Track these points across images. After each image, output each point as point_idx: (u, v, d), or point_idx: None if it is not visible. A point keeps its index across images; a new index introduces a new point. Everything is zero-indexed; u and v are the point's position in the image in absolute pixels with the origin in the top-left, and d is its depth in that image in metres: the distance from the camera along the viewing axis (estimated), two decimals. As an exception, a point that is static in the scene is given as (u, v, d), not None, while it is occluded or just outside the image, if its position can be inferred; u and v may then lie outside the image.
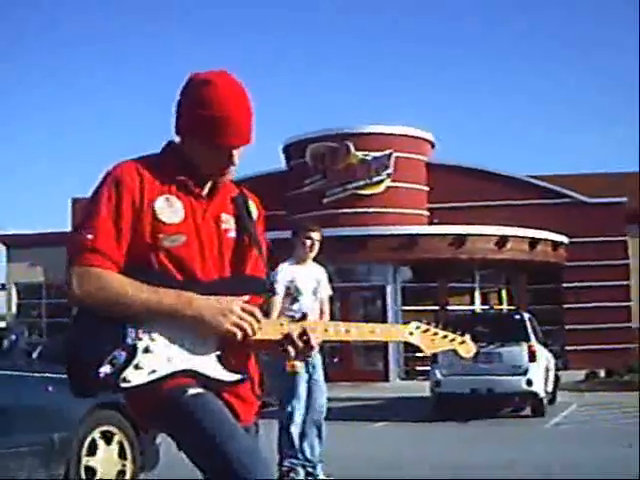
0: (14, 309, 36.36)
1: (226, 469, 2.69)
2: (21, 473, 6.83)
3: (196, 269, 2.85)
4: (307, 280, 8.11)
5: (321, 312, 8.19)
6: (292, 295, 8.02)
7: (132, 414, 2.97)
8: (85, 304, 2.76)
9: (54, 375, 7.74)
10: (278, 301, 7.82)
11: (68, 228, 37.96)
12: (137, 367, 2.68)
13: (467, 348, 3.28)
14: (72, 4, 74.99)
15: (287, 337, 2.87)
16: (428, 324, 3.21)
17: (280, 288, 7.95)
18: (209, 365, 2.78)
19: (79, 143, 79.77)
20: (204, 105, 2.85)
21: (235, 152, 2.90)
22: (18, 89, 75.27)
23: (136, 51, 75.94)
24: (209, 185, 2.96)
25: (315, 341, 2.89)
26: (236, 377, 2.82)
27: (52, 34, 75.26)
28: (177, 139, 2.99)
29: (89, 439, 7.39)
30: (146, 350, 2.71)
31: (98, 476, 7.40)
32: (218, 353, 2.80)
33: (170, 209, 2.84)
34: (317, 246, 8.16)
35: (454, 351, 3.28)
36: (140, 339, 2.71)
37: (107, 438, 7.57)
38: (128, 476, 7.64)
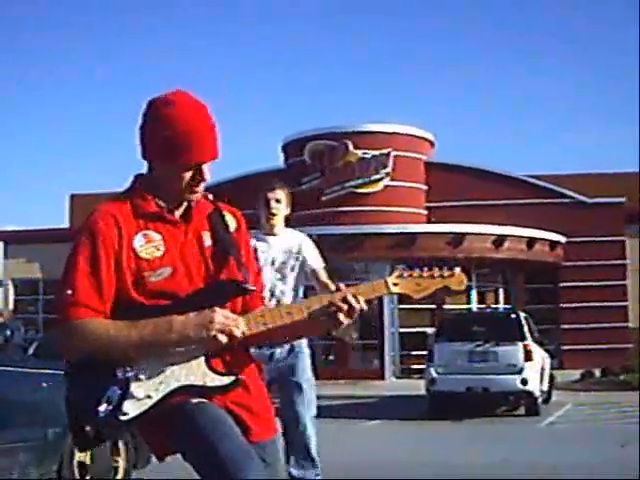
0: (11, 305, 36.36)
1: (220, 468, 2.71)
2: (15, 468, 6.84)
3: (183, 294, 2.87)
4: (269, 251, 6.39)
5: (321, 285, 6.50)
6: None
7: (147, 444, 3.01)
8: (75, 358, 2.81)
9: (49, 371, 7.76)
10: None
11: (66, 224, 37.99)
12: (132, 398, 2.72)
13: (457, 279, 3.08)
14: (71, 3, 74.98)
15: (331, 304, 2.90)
16: (410, 268, 3.07)
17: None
18: (199, 375, 2.80)
19: (78, 139, 79.77)
20: (166, 126, 2.84)
21: (205, 167, 2.90)
22: (16, 85, 75.28)
23: (134, 47, 75.93)
24: (184, 207, 2.96)
25: (356, 303, 2.91)
26: (229, 379, 2.83)
27: (50, 30, 75.23)
28: (144, 167, 3.00)
29: (82, 435, 7.39)
30: (137, 379, 2.74)
31: (90, 472, 7.41)
32: (206, 361, 2.82)
33: (149, 244, 2.85)
34: (282, 208, 6.46)
35: (446, 288, 3.08)
36: (129, 370, 2.74)
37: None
38: (121, 472, 7.66)
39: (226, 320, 2.76)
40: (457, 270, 3.07)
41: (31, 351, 20.00)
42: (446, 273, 3.05)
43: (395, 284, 3.01)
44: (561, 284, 31.12)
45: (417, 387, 19.15)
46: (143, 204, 2.90)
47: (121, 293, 2.82)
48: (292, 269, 6.36)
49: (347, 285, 3.03)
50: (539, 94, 76.45)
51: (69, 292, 2.78)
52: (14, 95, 73.34)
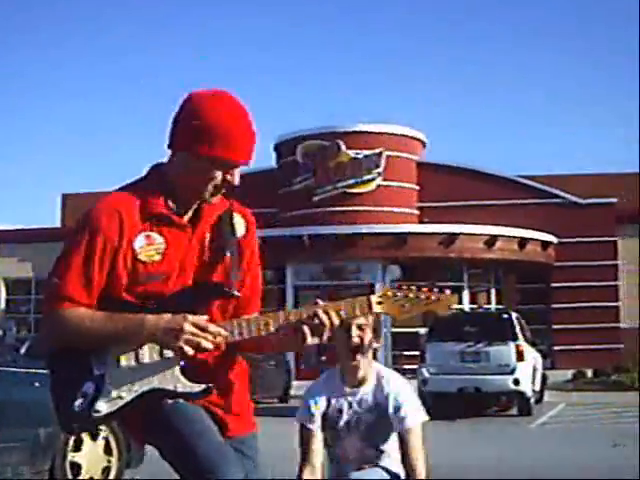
0: (3, 304, 36.26)
1: (196, 467, 2.72)
2: (7, 468, 6.82)
3: (169, 294, 2.85)
4: (358, 412, 4.49)
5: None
6: (327, 434, 4.63)
7: (132, 439, 3.03)
8: (54, 345, 2.82)
9: (41, 371, 7.75)
10: None
11: (58, 224, 37.93)
12: (105, 396, 2.73)
13: (444, 304, 2.89)
14: (67, 3, 74.82)
15: (311, 317, 2.81)
16: (398, 288, 2.91)
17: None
18: (172, 380, 2.78)
19: (70, 139, 79.74)
20: (204, 116, 2.75)
21: (236, 171, 2.82)
22: (8, 85, 75.14)
23: (128, 47, 75.89)
24: (193, 209, 2.88)
25: (327, 320, 2.81)
26: (199, 387, 2.80)
27: (42, 30, 75.13)
28: (166, 158, 2.90)
29: (74, 435, 7.38)
30: (111, 377, 2.74)
31: (83, 472, 7.40)
32: (180, 366, 2.80)
33: (150, 247, 2.79)
34: (369, 341, 4.62)
35: (432, 312, 2.92)
36: (105, 367, 2.75)
37: (93, 434, 7.56)
38: (113, 472, 7.63)
39: (195, 330, 2.70)
40: (447, 292, 2.91)
41: (23, 350, 19.94)
42: (434, 296, 2.89)
43: (379, 303, 2.89)
44: (553, 284, 31.17)
45: (409, 387, 19.15)
46: (152, 202, 2.81)
47: (112, 289, 2.79)
48: None
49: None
50: (532, 95, 76.58)
51: (57, 282, 2.76)
52: (6, 95, 73.22)
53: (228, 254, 2.91)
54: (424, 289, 2.90)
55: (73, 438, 7.34)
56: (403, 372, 22.39)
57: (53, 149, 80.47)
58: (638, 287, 30.80)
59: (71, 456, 7.30)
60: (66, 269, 2.77)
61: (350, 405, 4.44)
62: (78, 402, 2.73)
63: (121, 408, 2.74)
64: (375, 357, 4.66)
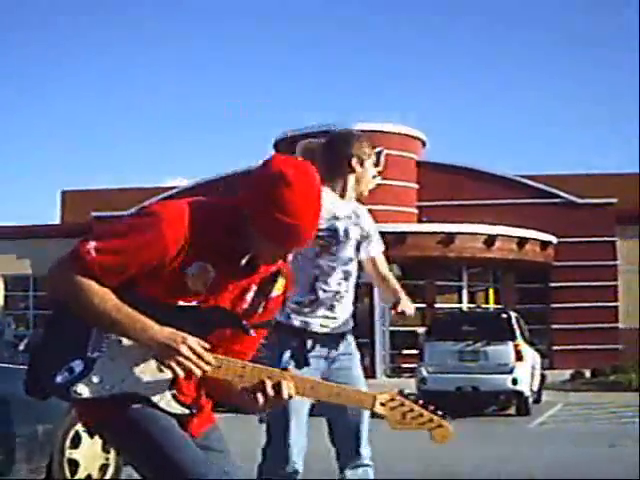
0: (1, 301, 36.30)
1: (179, 478, 2.70)
2: (4, 465, 6.82)
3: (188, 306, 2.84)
4: (350, 223, 4.95)
5: (380, 278, 5.13)
6: (322, 241, 4.66)
7: (80, 421, 3.01)
8: (54, 297, 2.80)
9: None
10: None
11: (57, 221, 37.93)
12: (90, 381, 2.71)
13: (443, 433, 2.92)
14: (65, 1, 74.76)
15: (260, 384, 2.78)
16: (406, 397, 2.96)
17: None
18: (158, 392, 2.78)
19: (70, 136, 79.62)
20: (282, 210, 2.68)
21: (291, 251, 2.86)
22: (7, 82, 75.09)
23: (126, 42, 75.81)
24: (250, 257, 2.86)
25: (287, 392, 2.79)
26: (186, 411, 2.81)
27: (40, 27, 75.08)
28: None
29: (72, 432, 7.37)
30: (103, 365, 2.73)
31: (81, 469, 7.39)
32: (172, 381, 2.79)
33: (200, 279, 2.77)
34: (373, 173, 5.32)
35: (430, 433, 2.95)
36: (101, 353, 2.73)
37: (90, 432, 7.55)
38: (111, 470, 7.63)
39: (191, 356, 2.69)
40: (446, 423, 2.93)
41: (22, 347, 19.91)
42: (435, 420, 2.91)
43: (382, 404, 2.93)
44: (552, 284, 31.18)
45: (408, 386, 19.10)
46: (223, 238, 2.79)
47: (143, 286, 2.78)
48: (357, 246, 4.97)
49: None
50: (532, 94, 76.58)
51: (92, 251, 2.71)
52: (5, 92, 73.17)
53: (258, 308, 2.92)
54: (429, 409, 2.94)
55: (71, 435, 7.34)
56: (401, 371, 22.48)
57: (52, 146, 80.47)
58: (637, 288, 30.80)
59: (69, 453, 7.30)
60: (107, 245, 2.72)
61: (344, 213, 4.90)
62: (61, 376, 2.70)
63: (99, 399, 2.72)
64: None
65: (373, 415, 3.09)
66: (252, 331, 2.83)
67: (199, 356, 2.70)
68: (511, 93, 74.75)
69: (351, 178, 5.08)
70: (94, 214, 33.80)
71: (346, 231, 4.80)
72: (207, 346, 2.74)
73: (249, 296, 2.90)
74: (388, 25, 75.91)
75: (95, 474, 7.53)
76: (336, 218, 4.76)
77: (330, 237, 4.70)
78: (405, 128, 31.59)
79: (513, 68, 73.49)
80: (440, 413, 2.92)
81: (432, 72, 74.71)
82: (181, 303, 2.79)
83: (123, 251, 2.70)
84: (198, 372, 2.71)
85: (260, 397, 2.77)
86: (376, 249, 5.11)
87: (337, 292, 4.67)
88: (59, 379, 2.71)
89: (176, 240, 2.70)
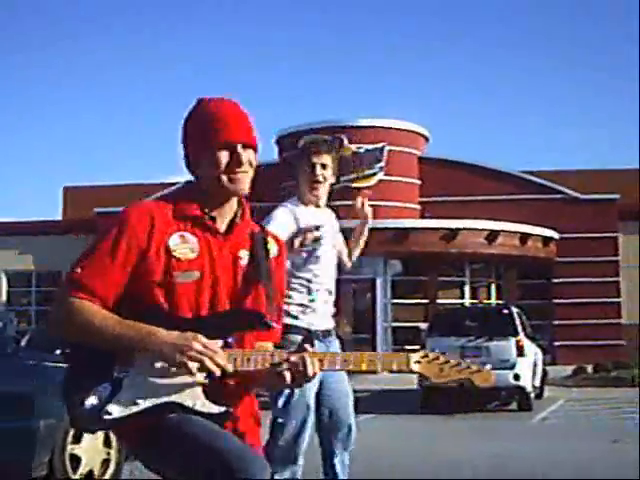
0: (3, 297, 36.32)
1: (222, 466, 2.63)
2: (6, 460, 6.82)
3: (204, 304, 2.85)
4: (327, 228, 5.32)
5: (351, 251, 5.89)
6: (307, 247, 5.12)
7: (122, 446, 2.99)
8: (58, 333, 2.82)
9: (41, 363, 7.75)
10: None
11: (59, 217, 37.92)
12: (119, 400, 2.70)
13: (484, 376, 2.92)
14: (75, 3, 74.74)
15: (285, 361, 2.78)
16: (440, 354, 2.92)
17: (285, 231, 4.95)
18: (191, 396, 2.76)
19: (72, 132, 79.61)
20: (196, 117, 2.94)
21: (241, 152, 2.89)
22: (9, 78, 75.12)
23: (127, 40, 75.76)
24: (227, 221, 2.95)
25: (311, 368, 2.78)
26: (219, 409, 2.78)
27: (44, 24, 75.10)
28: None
29: (74, 427, 7.38)
30: (131, 383, 2.72)
31: (83, 464, 7.40)
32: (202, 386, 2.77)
33: (185, 245, 2.84)
34: (329, 177, 5.37)
35: (469, 380, 2.93)
36: (125, 371, 2.73)
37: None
38: (113, 465, 7.64)
39: (202, 349, 2.69)
40: (487, 367, 2.95)
41: (24, 343, 19.89)
42: (474, 367, 2.91)
43: (418, 362, 2.87)
44: (554, 280, 31.17)
45: (409, 381, 19.14)
46: (186, 207, 2.91)
47: (145, 290, 2.81)
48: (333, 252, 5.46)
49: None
50: (533, 90, 76.52)
51: (78, 270, 2.80)
52: (8, 87, 73.20)
53: (262, 281, 2.94)
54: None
55: (73, 431, 7.35)
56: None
57: (54, 142, 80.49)
58: (639, 283, 30.78)
59: (70, 448, 7.30)
60: (88, 260, 2.81)
61: (320, 220, 5.24)
62: (90, 401, 2.70)
63: (133, 415, 2.70)
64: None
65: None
66: (274, 323, 2.86)
67: (213, 352, 2.70)
68: (513, 89, 74.72)
69: (320, 187, 5.32)
70: (97, 210, 33.82)
71: (326, 237, 5.24)
72: (220, 343, 2.75)
73: (243, 262, 2.94)
74: (391, 21, 75.88)
75: (97, 470, 7.53)
76: (316, 227, 5.16)
77: (315, 244, 5.17)
78: (407, 124, 31.57)
79: (515, 64, 73.44)
80: (475, 365, 2.92)
81: (435, 68, 74.73)
82: (188, 316, 2.81)
83: (99, 255, 2.80)
84: (212, 366, 2.69)
85: (287, 375, 2.77)
86: (342, 252, 5.72)
87: (328, 289, 5.22)
88: (88, 405, 2.70)
89: (139, 224, 2.81)
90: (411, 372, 2.89)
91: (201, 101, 2.98)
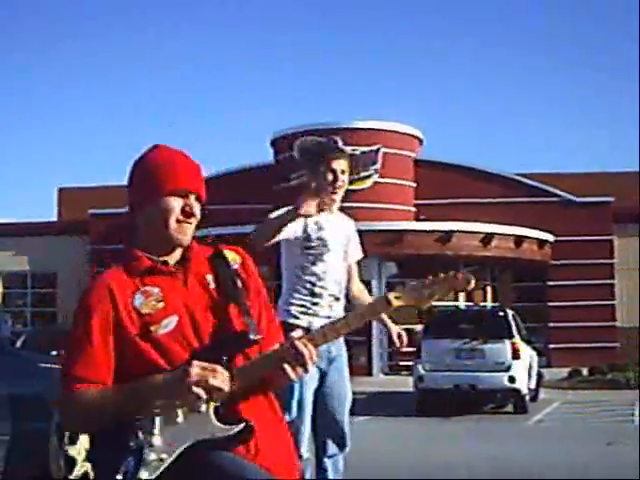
0: (-1, 298, 36.27)
1: None
2: (1, 462, 6.81)
3: (193, 342, 2.84)
4: (337, 232, 5.38)
5: (350, 283, 5.67)
6: (314, 251, 5.25)
7: None
8: (74, 430, 2.85)
9: (37, 364, 7.74)
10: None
11: (54, 218, 37.90)
12: (147, 464, 2.70)
13: (464, 279, 2.82)
14: (74, 3, 74.67)
15: (281, 359, 2.77)
16: (411, 282, 2.88)
17: (291, 234, 5.12)
18: (208, 428, 2.75)
19: (67, 133, 79.57)
20: (141, 168, 2.91)
21: (192, 202, 2.88)
22: (5, 79, 75.04)
23: (123, 41, 75.72)
24: (179, 254, 2.92)
25: (306, 351, 2.77)
26: (238, 427, 2.76)
27: (38, 23, 75.04)
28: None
29: (70, 428, 7.37)
30: (149, 445, 2.72)
31: (78, 466, 7.39)
32: (214, 411, 2.76)
33: (149, 299, 2.83)
34: (347, 181, 5.46)
35: (453, 289, 2.83)
36: (140, 438, 2.72)
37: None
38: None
39: (202, 371, 2.68)
40: (461, 273, 2.86)
41: (19, 344, 19.84)
42: (450, 274, 2.84)
43: (398, 297, 2.84)
44: (549, 282, 31.20)
45: (405, 384, 19.18)
46: (135, 263, 2.88)
47: (134, 353, 2.80)
48: (344, 254, 5.46)
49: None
50: (529, 93, 76.62)
51: (64, 366, 2.84)
52: (3, 89, 73.13)
53: (234, 295, 2.91)
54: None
55: (68, 432, 7.34)
56: (399, 369, 22.49)
57: (49, 143, 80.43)
58: (638, 286, 30.81)
59: (65, 450, 7.30)
60: (70, 352, 2.84)
61: (329, 223, 5.29)
62: (120, 477, 2.69)
63: (164, 471, 2.70)
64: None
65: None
66: (257, 337, 2.83)
67: (212, 370, 2.69)
68: (509, 91, 74.79)
69: (340, 192, 5.44)
70: (91, 211, 33.80)
71: (333, 240, 5.29)
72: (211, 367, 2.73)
73: (212, 285, 2.92)
74: (386, 23, 75.93)
75: (92, 471, 7.52)
76: (323, 229, 5.25)
77: (320, 246, 5.24)
78: (402, 126, 31.58)
79: (511, 65, 73.51)
80: (449, 274, 2.85)
81: (430, 70, 74.80)
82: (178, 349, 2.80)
83: (78, 344, 2.81)
84: (216, 382, 2.68)
85: (286, 367, 2.76)
86: (353, 256, 5.61)
87: (333, 294, 5.27)
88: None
89: (100, 299, 2.82)
90: (397, 310, 2.85)
91: (153, 148, 2.95)
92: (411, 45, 74.52)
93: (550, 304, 31.05)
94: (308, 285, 5.20)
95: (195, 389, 2.66)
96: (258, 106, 77.96)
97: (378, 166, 30.18)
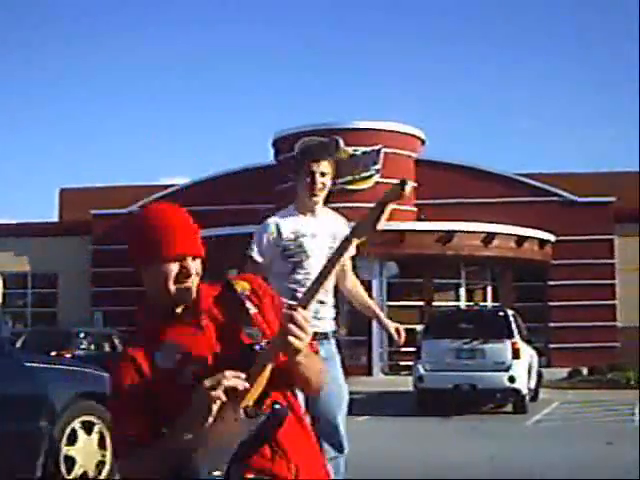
0: (-1, 298, 36.28)
1: None
2: (0, 461, 6.83)
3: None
4: (319, 235, 5.44)
5: (344, 279, 5.88)
6: (293, 259, 5.39)
7: None
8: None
9: (37, 364, 7.75)
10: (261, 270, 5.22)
11: (55, 218, 37.93)
12: None
13: (394, 189, 2.71)
14: (73, 2, 74.66)
15: (281, 347, 2.75)
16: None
17: (268, 249, 5.37)
18: (242, 428, 2.74)
19: (68, 133, 79.58)
20: (143, 227, 2.91)
21: (190, 264, 2.89)
22: (6, 79, 75.05)
23: (125, 40, 75.77)
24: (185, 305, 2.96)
25: (297, 316, 2.73)
26: (264, 415, 2.74)
27: (39, 25, 75.03)
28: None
29: (69, 428, 7.39)
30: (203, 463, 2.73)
31: (77, 466, 7.41)
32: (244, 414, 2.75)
33: (169, 353, 2.88)
34: (328, 183, 5.52)
35: (391, 201, 2.72)
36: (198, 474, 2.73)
37: (87, 428, 7.59)
38: (108, 466, 7.65)
39: (213, 378, 2.70)
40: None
41: (19, 344, 19.83)
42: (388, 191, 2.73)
43: (355, 235, 2.84)
44: (550, 282, 31.19)
45: (405, 384, 19.18)
46: (149, 326, 2.96)
47: (165, 404, 2.85)
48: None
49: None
50: (530, 93, 76.59)
51: (113, 439, 3.10)
52: (4, 88, 73.13)
53: (240, 323, 2.94)
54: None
55: (68, 432, 7.36)
56: (399, 369, 22.46)
57: (51, 144, 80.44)
58: (638, 286, 30.78)
59: (65, 450, 7.32)
60: (116, 428, 2.98)
61: (311, 228, 5.37)
62: None
63: None
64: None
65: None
66: (262, 343, 2.85)
67: (222, 375, 2.70)
68: (510, 90, 74.76)
69: (319, 195, 5.46)
70: (93, 212, 33.81)
71: (315, 245, 5.33)
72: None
73: (222, 318, 2.95)
74: (387, 22, 75.93)
75: (91, 471, 7.55)
76: (302, 235, 5.31)
77: (299, 253, 5.30)
78: (404, 126, 31.59)
79: (513, 65, 73.46)
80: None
81: (431, 70, 74.78)
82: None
83: (118, 413, 2.93)
84: (238, 381, 2.70)
85: (290, 339, 2.72)
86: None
87: (320, 301, 5.22)
88: None
89: (126, 370, 2.89)
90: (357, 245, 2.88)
91: (147, 211, 2.97)
92: (412, 45, 74.55)
93: (551, 304, 31.04)
94: (290, 292, 5.20)
95: (213, 393, 2.67)
96: (259, 106, 78.02)
97: (379, 166, 30.18)
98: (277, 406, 2.74)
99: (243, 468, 2.75)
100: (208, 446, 2.73)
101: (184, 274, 2.88)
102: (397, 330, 6.01)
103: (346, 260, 5.56)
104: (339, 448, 5.39)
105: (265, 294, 3.05)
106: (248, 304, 2.97)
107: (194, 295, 2.93)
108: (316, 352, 3.01)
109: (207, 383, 2.69)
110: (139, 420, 2.86)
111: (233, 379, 2.69)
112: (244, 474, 2.77)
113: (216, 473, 2.69)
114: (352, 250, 5.32)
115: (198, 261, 2.93)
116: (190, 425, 2.73)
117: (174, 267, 2.88)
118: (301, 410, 3.04)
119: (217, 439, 2.73)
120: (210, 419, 2.71)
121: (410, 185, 2.89)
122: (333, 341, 5.58)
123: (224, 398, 2.68)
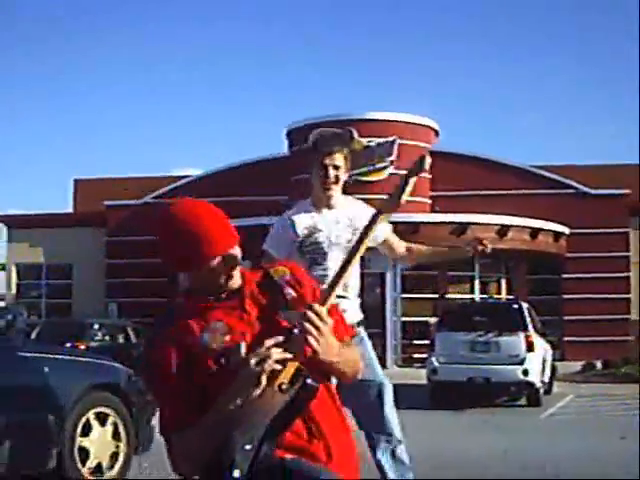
0: (14, 289, 36.41)
1: None
2: (15, 452, 6.84)
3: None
4: (335, 230, 5.35)
5: (395, 251, 5.83)
6: (310, 255, 5.31)
7: None
8: (188, 473, 2.91)
9: (51, 355, 7.77)
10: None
11: (70, 209, 38.00)
12: (238, 464, 2.71)
13: (416, 163, 3.10)
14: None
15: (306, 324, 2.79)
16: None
17: (284, 245, 5.33)
18: (274, 402, 2.77)
19: (82, 124, 79.77)
20: (170, 236, 2.91)
21: (233, 252, 2.92)
22: (20, 69, 75.25)
23: (136, 32, 75.83)
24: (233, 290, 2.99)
25: (320, 309, 2.80)
26: (299, 385, 2.77)
27: (48, 15, 75.18)
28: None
29: (83, 420, 7.41)
30: (242, 442, 2.73)
31: (91, 457, 7.42)
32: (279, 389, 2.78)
33: (216, 334, 2.91)
34: (342, 176, 5.46)
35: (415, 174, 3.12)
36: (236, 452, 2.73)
37: (101, 419, 7.60)
38: (121, 457, 7.67)
39: (259, 355, 2.74)
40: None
41: (34, 335, 19.89)
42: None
43: (385, 210, 3.00)
44: (564, 275, 31.12)
45: (418, 376, 19.17)
46: (193, 309, 2.97)
47: (211, 387, 2.86)
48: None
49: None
50: (544, 85, 76.35)
51: (160, 422, 2.97)
52: (18, 79, 73.32)
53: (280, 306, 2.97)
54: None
55: (82, 423, 7.38)
56: (413, 361, 22.46)
57: (65, 134, 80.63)
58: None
59: (79, 441, 7.33)
60: (161, 405, 2.98)
61: (327, 222, 5.29)
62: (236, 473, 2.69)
63: (256, 461, 2.71)
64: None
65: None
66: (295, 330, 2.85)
67: (266, 350, 2.74)
68: (525, 83, 74.55)
69: (333, 189, 5.40)
70: (107, 203, 33.87)
71: (330, 239, 5.25)
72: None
73: (265, 302, 2.98)
74: (402, 14, 75.75)
75: (105, 462, 7.56)
76: (319, 230, 5.25)
77: (315, 250, 5.24)
78: (418, 117, 31.52)
79: (527, 57, 73.26)
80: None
81: (446, 62, 74.62)
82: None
83: (162, 397, 2.96)
84: (284, 353, 2.73)
85: (308, 339, 2.77)
86: (381, 234, 5.54)
87: (338, 295, 5.06)
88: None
89: (162, 351, 2.92)
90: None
91: (176, 212, 2.93)
92: (427, 36, 74.40)
93: (565, 297, 30.98)
94: None
95: (265, 365, 2.70)
96: (274, 98, 77.99)
97: (394, 157, 30.13)
98: (309, 380, 2.74)
99: (275, 445, 2.75)
100: (246, 422, 2.74)
101: (231, 266, 2.92)
102: (479, 241, 6.00)
103: (389, 237, 5.67)
104: (387, 437, 5.47)
105: (305, 281, 3.09)
106: (287, 289, 3.01)
107: (240, 282, 2.97)
108: (353, 336, 3.01)
109: (254, 358, 2.72)
110: (186, 400, 2.89)
111: (280, 354, 2.73)
112: (277, 451, 2.77)
113: (247, 447, 2.70)
114: (385, 228, 5.21)
115: (237, 248, 2.95)
116: (234, 400, 2.75)
117: (220, 263, 2.90)
118: (332, 386, 3.05)
119: (253, 414, 2.74)
120: (257, 391, 2.72)
121: (429, 160, 3.11)
122: (361, 329, 5.52)
123: (271, 371, 2.72)
